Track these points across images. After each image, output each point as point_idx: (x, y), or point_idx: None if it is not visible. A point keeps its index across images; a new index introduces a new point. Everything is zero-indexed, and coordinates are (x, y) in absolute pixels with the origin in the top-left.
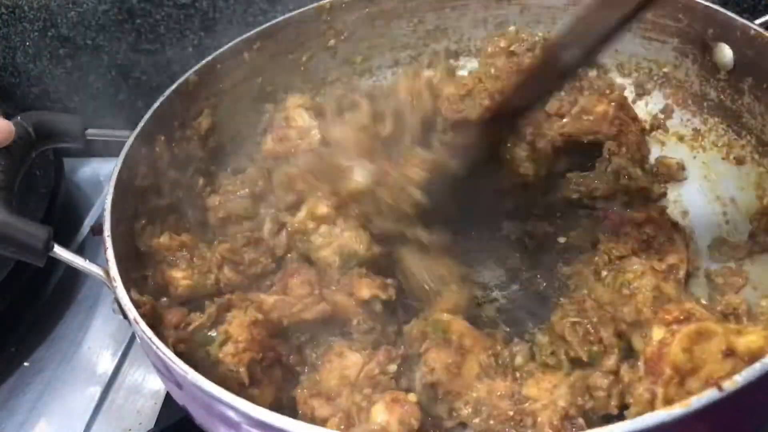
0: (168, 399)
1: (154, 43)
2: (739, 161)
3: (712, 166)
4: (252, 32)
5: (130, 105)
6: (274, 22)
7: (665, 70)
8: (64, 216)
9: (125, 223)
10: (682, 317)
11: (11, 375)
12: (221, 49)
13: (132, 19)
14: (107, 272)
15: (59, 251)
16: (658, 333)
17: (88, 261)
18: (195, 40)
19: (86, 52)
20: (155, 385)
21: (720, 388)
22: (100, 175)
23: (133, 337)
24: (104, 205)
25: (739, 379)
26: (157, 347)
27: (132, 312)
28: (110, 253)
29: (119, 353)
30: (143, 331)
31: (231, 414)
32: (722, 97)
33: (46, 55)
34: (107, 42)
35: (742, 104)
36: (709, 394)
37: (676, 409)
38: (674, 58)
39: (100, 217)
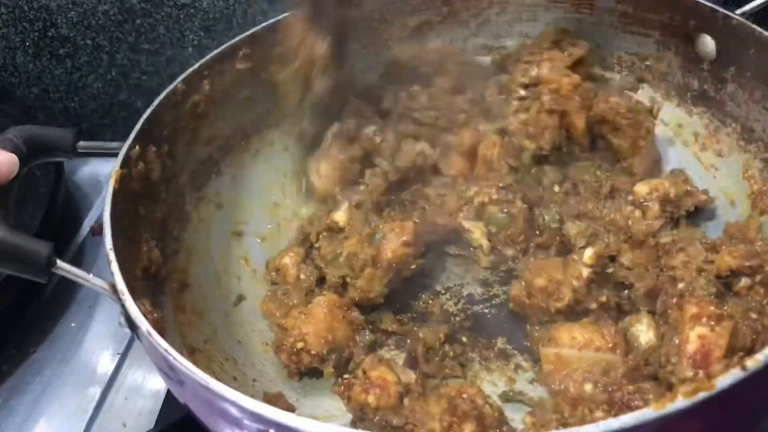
0: (168, 399)
1: (154, 43)
2: (726, 148)
3: (699, 154)
4: (238, 38)
5: (130, 105)
6: (258, 27)
7: (647, 62)
8: (63, 216)
9: (124, 235)
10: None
11: (11, 375)
12: (208, 56)
13: (132, 19)
14: (113, 286)
15: (62, 266)
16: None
17: (92, 276)
18: (195, 40)
19: (86, 52)
20: (155, 385)
21: (744, 368)
22: (99, 175)
23: (133, 337)
24: (104, 217)
25: (761, 357)
26: (166, 350)
27: (144, 324)
28: (115, 267)
29: (119, 353)
30: (158, 343)
31: (233, 410)
32: (705, 87)
33: (46, 55)
34: (107, 42)
35: (725, 93)
36: (734, 374)
37: (702, 394)
38: (656, 50)
39: (100, 217)
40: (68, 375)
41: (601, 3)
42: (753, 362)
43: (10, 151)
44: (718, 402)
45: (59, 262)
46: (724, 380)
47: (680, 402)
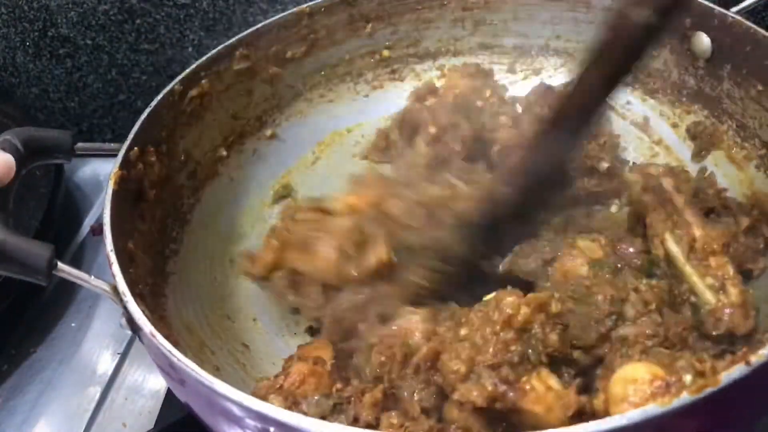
0: (168, 399)
1: (154, 43)
2: (722, 146)
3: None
4: (233, 39)
5: (130, 105)
6: (254, 28)
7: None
8: (63, 216)
9: (124, 236)
10: None
11: (11, 375)
12: (205, 57)
13: (132, 19)
14: (114, 287)
15: (63, 269)
16: None
17: (93, 277)
18: (195, 40)
19: (86, 52)
20: (155, 385)
21: (748, 363)
22: (100, 174)
23: (133, 337)
24: (104, 219)
25: (766, 352)
26: (169, 351)
27: (146, 325)
28: (116, 268)
29: (119, 353)
30: (160, 343)
31: (234, 409)
32: (701, 84)
33: (46, 55)
34: (107, 42)
35: (721, 90)
36: (739, 370)
37: (707, 389)
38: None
39: (100, 216)
40: (68, 375)
41: (597, 1)
42: (757, 357)
43: (10, 153)
44: (722, 397)
45: (60, 265)
46: (729, 375)
47: (684, 398)
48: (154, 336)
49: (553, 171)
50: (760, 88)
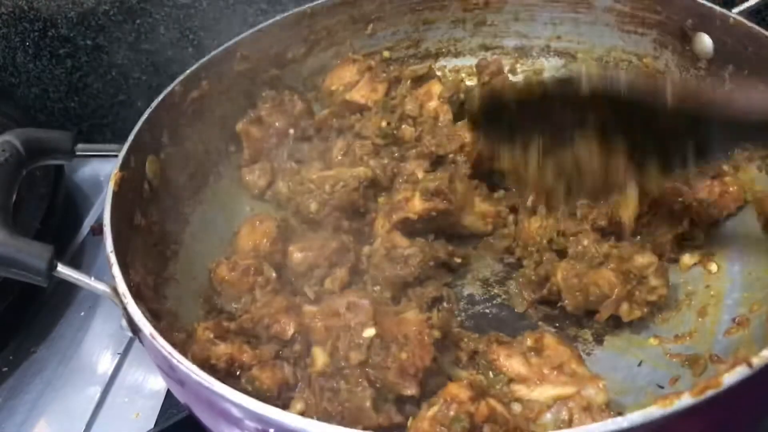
0: (168, 399)
1: (154, 43)
2: None
3: None
4: (234, 40)
5: (130, 105)
6: (255, 29)
7: (645, 61)
8: (63, 216)
9: (124, 237)
10: None
11: (11, 375)
12: (206, 58)
13: (132, 19)
14: (115, 289)
15: (63, 270)
16: None
17: (93, 279)
18: (195, 40)
19: (86, 52)
20: (155, 385)
21: (749, 365)
22: (100, 174)
23: (133, 338)
24: (104, 220)
25: (767, 354)
26: (170, 353)
27: (147, 327)
28: (116, 270)
29: (119, 353)
30: (161, 345)
31: (233, 410)
32: (703, 85)
33: (46, 55)
34: (107, 42)
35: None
36: (740, 372)
37: (709, 391)
38: (653, 49)
39: (100, 217)
40: (68, 375)
41: (598, 2)
42: (759, 359)
43: (10, 154)
44: (724, 399)
45: (60, 266)
46: (730, 377)
47: (686, 399)
48: (154, 337)
49: None
50: (762, 88)
